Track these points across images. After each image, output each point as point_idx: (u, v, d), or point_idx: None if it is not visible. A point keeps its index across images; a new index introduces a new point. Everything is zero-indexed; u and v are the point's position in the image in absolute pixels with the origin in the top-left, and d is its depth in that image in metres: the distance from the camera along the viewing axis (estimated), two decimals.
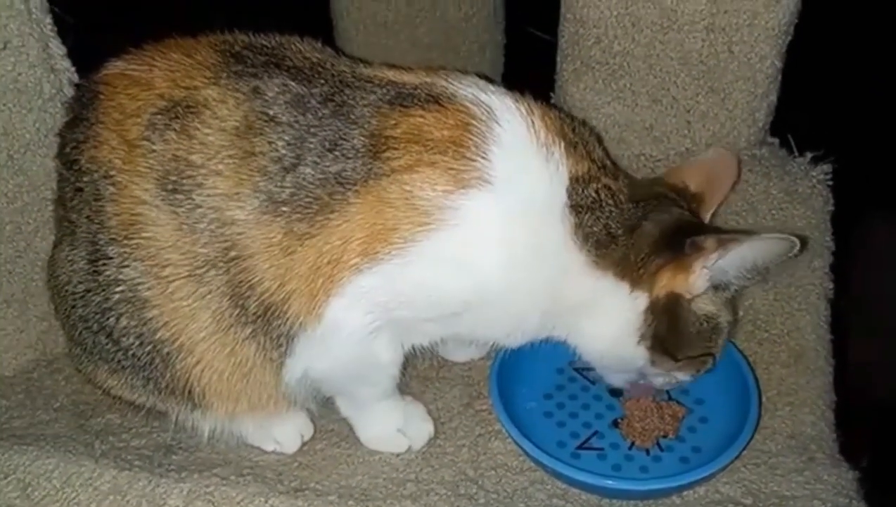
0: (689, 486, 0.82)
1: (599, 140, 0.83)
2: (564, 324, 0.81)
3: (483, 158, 0.72)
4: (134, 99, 0.76)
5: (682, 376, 0.85)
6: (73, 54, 0.93)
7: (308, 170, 0.72)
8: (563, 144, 0.76)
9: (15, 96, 0.89)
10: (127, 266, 0.75)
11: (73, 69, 0.93)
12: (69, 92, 0.93)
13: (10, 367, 0.96)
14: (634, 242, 0.77)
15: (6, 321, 0.95)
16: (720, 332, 0.82)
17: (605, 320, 0.79)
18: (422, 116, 0.73)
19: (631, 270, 0.77)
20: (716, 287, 0.79)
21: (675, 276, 0.77)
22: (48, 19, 0.90)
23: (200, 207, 0.73)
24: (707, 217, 0.86)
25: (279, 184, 0.72)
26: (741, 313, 0.96)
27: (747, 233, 0.79)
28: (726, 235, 0.77)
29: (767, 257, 0.76)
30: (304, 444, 0.87)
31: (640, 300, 0.78)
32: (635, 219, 0.77)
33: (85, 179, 0.77)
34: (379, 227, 0.71)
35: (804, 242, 0.78)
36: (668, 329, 0.79)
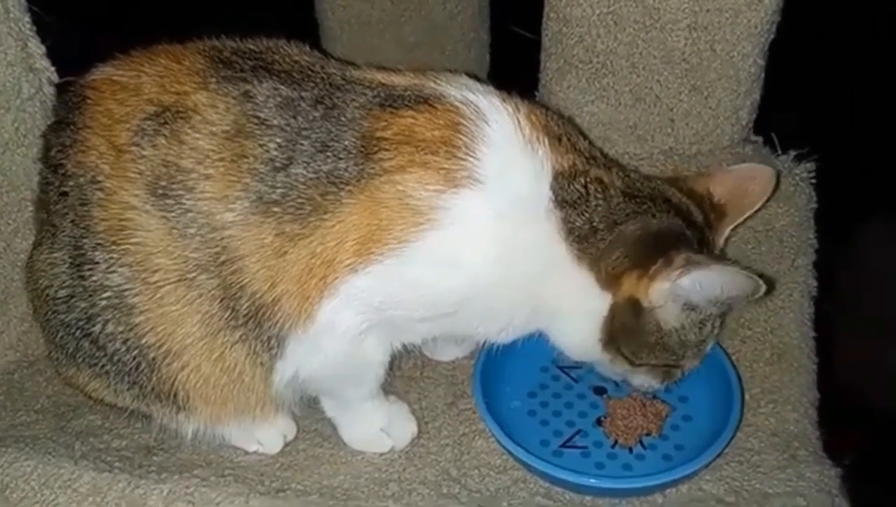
0: (672, 484, 0.81)
1: (584, 136, 0.83)
2: (545, 317, 0.80)
3: (473, 157, 0.72)
4: (122, 104, 0.76)
5: (650, 380, 0.85)
6: (52, 53, 0.92)
7: (300, 170, 0.72)
8: (548, 141, 0.76)
9: None
10: (114, 272, 0.75)
11: (52, 68, 0.93)
12: (48, 91, 0.92)
13: None
14: (613, 240, 0.76)
15: None
16: (685, 348, 0.81)
17: (576, 315, 0.79)
18: (412, 118, 0.73)
19: (603, 267, 0.77)
20: (684, 305, 0.78)
21: (638, 282, 0.77)
22: (26, 18, 0.90)
23: (191, 211, 0.73)
24: (725, 231, 0.84)
25: (270, 184, 0.72)
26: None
27: (719, 260, 0.78)
28: (697, 257, 0.76)
29: (732, 290, 0.75)
30: (286, 444, 0.87)
31: (607, 299, 0.78)
32: (622, 215, 0.77)
33: (70, 183, 0.77)
34: (373, 227, 0.71)
35: (770, 285, 0.77)
36: (623, 332, 0.79)
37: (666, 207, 0.79)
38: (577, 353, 0.84)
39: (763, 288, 0.74)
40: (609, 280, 0.77)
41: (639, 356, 0.80)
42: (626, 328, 0.78)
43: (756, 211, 0.87)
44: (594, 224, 0.76)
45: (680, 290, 0.76)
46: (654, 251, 0.76)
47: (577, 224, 0.75)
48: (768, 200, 0.88)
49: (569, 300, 0.78)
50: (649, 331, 0.79)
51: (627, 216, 0.77)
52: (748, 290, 0.75)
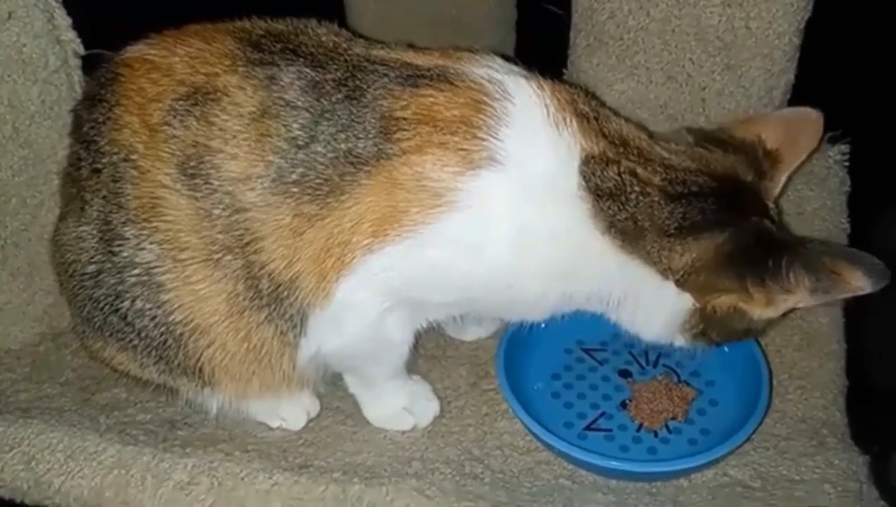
0: (698, 468, 0.81)
1: (616, 114, 0.79)
2: (598, 302, 0.79)
3: (494, 137, 0.71)
4: (155, 84, 0.76)
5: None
6: (78, 25, 0.92)
7: (319, 148, 0.71)
8: (575, 122, 0.74)
9: (20, 68, 0.88)
10: (144, 249, 0.75)
11: (78, 40, 0.92)
12: (74, 63, 0.92)
13: (16, 340, 0.96)
14: (680, 253, 0.73)
15: (12, 295, 0.95)
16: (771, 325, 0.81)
17: (646, 307, 0.78)
18: (432, 97, 0.72)
19: (679, 276, 0.75)
20: None
21: (748, 301, 0.75)
22: None
23: (217, 191, 0.73)
24: (782, 179, 0.80)
25: (291, 162, 0.72)
26: None
27: (838, 273, 0.72)
28: (821, 282, 0.73)
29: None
30: (309, 421, 0.87)
31: (689, 300, 0.76)
32: (674, 221, 0.73)
33: (104, 160, 0.77)
34: (390, 208, 0.70)
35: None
36: (719, 327, 0.78)
37: (717, 203, 0.74)
38: (652, 339, 0.82)
39: (884, 276, 0.72)
40: (698, 295, 0.76)
41: (730, 339, 0.81)
42: (723, 325, 0.78)
43: (811, 154, 0.83)
44: (639, 223, 0.73)
45: (804, 305, 0.76)
46: (745, 272, 0.74)
47: (619, 218, 0.72)
48: (821, 143, 0.84)
49: (627, 290, 0.77)
50: (751, 325, 0.78)
51: (677, 224, 0.73)
52: (874, 285, 0.72)
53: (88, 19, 0.94)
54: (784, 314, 0.79)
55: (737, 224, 0.74)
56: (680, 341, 0.81)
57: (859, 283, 0.72)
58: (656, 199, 0.73)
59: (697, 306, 0.77)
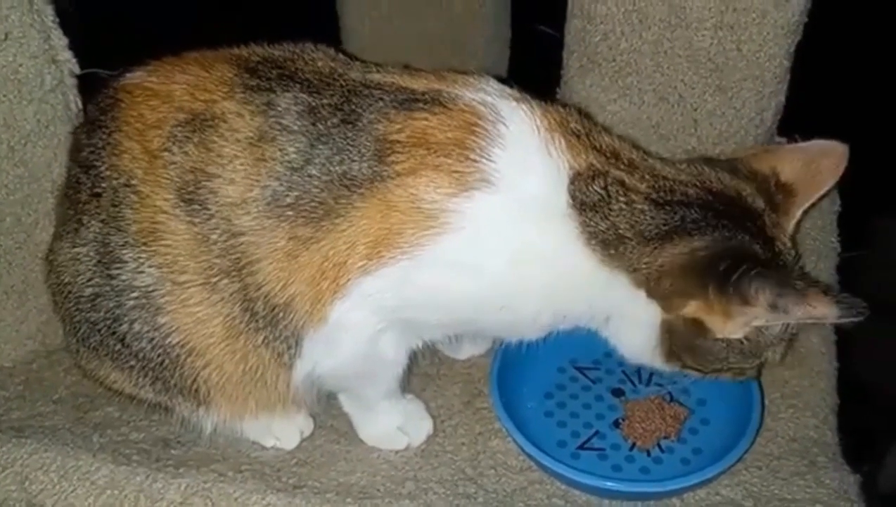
0: (690, 488, 0.81)
1: (607, 131, 0.79)
2: (590, 320, 0.79)
3: (487, 159, 0.71)
4: (154, 110, 0.76)
5: (727, 379, 0.83)
6: (74, 45, 0.92)
7: (314, 171, 0.72)
8: (565, 142, 0.74)
9: (15, 87, 0.89)
10: (143, 272, 0.76)
11: (74, 60, 0.92)
12: (70, 83, 0.92)
13: (9, 358, 0.96)
14: (655, 257, 0.73)
15: (6, 312, 0.95)
16: (763, 349, 0.78)
17: (626, 323, 0.78)
18: (426, 119, 0.73)
19: (649, 283, 0.74)
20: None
21: (708, 312, 0.74)
22: (49, 10, 0.90)
23: (214, 217, 0.73)
24: (797, 213, 0.78)
25: (286, 185, 0.72)
26: None
27: (806, 291, 0.70)
28: (783, 299, 0.70)
29: (822, 317, 0.71)
30: (303, 440, 0.87)
31: (657, 311, 0.76)
32: (651, 226, 0.73)
33: (104, 184, 0.77)
34: (385, 231, 0.71)
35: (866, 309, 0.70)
36: (686, 348, 0.77)
37: (702, 213, 0.73)
38: (636, 359, 0.82)
39: (859, 313, 0.70)
40: (663, 303, 0.75)
41: (706, 367, 0.79)
42: (689, 345, 0.76)
43: (829, 190, 0.80)
44: (620, 231, 0.73)
45: (761, 324, 0.74)
46: (713, 276, 0.72)
47: (601, 228, 0.73)
48: (841, 180, 0.80)
49: (609, 305, 0.77)
50: (718, 348, 0.76)
51: (662, 229, 0.73)
52: (842, 317, 0.70)
53: (84, 39, 0.94)
54: (785, 351, 0.79)
55: (720, 235, 0.73)
56: (659, 362, 0.80)
57: (824, 309, 0.70)
58: (640, 206, 0.73)
59: (665, 317, 0.76)
